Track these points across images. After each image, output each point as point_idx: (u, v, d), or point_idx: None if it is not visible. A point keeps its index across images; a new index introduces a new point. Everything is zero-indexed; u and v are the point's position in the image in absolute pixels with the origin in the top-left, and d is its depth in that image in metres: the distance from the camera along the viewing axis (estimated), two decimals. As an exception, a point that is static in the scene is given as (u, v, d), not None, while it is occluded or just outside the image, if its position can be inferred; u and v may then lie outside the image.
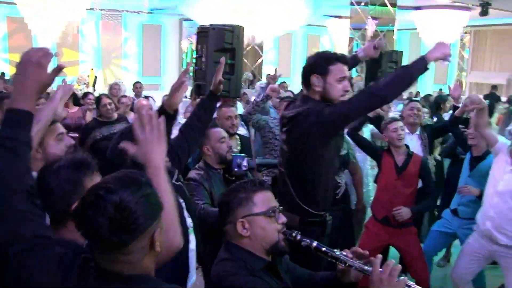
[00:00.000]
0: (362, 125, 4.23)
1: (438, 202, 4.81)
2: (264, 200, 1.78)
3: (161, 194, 1.40)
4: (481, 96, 3.99)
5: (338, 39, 16.68)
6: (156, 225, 1.31)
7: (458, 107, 4.19)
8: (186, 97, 7.20)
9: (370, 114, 4.07)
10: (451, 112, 4.63)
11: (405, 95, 8.83)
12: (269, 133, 4.47)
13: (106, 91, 8.02)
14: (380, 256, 1.65)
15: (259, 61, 14.94)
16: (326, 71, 2.62)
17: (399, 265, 1.62)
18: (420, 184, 3.92)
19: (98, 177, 1.62)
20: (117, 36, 17.38)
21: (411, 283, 1.62)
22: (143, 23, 17.71)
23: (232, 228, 1.77)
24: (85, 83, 15.20)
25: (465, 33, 16.92)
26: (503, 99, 10.47)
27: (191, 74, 3.23)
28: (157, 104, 7.71)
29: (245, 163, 3.17)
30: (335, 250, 1.77)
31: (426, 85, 17.33)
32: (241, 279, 1.68)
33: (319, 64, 2.66)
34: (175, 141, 2.71)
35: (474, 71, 17.85)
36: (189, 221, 2.53)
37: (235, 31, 2.84)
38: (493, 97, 10.59)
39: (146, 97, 7.57)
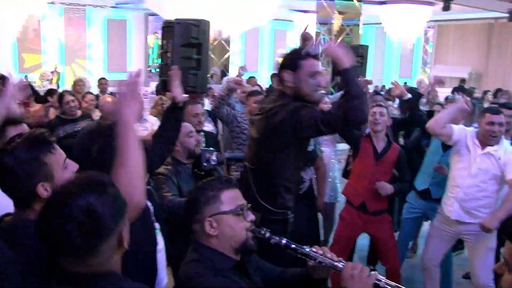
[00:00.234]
0: None
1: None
2: (231, 198, 1.75)
3: (128, 147, 1.50)
4: (448, 90, 4.09)
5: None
6: (123, 222, 1.31)
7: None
8: (152, 93, 7.09)
9: None
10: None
11: (371, 89, 8.92)
12: (237, 127, 4.44)
13: (70, 88, 7.84)
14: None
15: (226, 56, 14.86)
16: (297, 66, 2.60)
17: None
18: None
19: (59, 153, 1.58)
20: (80, 31, 16.97)
21: (381, 277, 1.62)
22: (108, 17, 17.36)
23: (199, 227, 1.73)
24: (48, 80, 14.83)
25: (429, 27, 17.23)
26: (478, 93, 10.64)
27: (154, 70, 3.17)
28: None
29: (214, 157, 3.15)
30: (304, 246, 1.76)
31: (391, 78, 17.58)
32: (210, 280, 1.65)
33: (290, 60, 2.65)
34: (149, 146, 2.66)
35: (438, 65, 18.21)
36: (157, 225, 2.48)
37: (201, 26, 2.80)
38: (463, 90, 10.82)
39: (112, 94, 7.44)
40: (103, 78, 8.64)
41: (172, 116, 2.71)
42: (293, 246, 1.76)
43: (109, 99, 4.79)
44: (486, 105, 7.58)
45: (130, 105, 1.65)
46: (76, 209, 1.20)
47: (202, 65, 2.84)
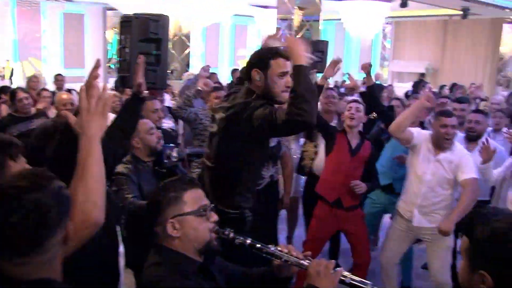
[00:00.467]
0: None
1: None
2: (194, 198, 1.71)
3: (91, 163, 1.45)
4: (407, 85, 4.16)
5: (265, 29, 16.76)
6: (67, 218, 1.30)
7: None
8: (111, 89, 6.92)
9: None
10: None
11: (331, 83, 9.00)
12: (200, 124, 4.39)
13: (24, 85, 7.58)
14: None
15: (187, 51, 14.71)
16: (266, 65, 2.56)
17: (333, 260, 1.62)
18: None
19: (22, 161, 1.53)
20: (35, 25, 16.42)
21: (346, 273, 1.63)
22: (64, 12, 16.86)
23: (162, 229, 1.68)
24: (0, 76, 14.31)
25: (387, 24, 17.54)
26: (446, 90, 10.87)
27: (113, 66, 3.07)
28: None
29: (174, 153, 3.11)
30: (270, 246, 1.74)
31: (351, 74, 17.80)
32: (174, 283, 1.60)
33: (260, 59, 2.60)
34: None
35: (395, 60, 18.59)
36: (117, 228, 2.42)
37: (160, 21, 2.72)
38: (424, 84, 11.10)
39: (69, 90, 7.23)
40: (59, 74, 8.41)
41: (131, 108, 2.59)
42: (258, 245, 1.73)
43: (64, 96, 4.63)
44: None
45: (97, 121, 1.56)
46: (23, 202, 1.19)
47: (161, 61, 2.76)
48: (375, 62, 19.21)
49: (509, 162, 3.90)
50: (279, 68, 2.58)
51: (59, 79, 8.15)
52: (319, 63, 4.22)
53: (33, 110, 4.96)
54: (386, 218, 4.91)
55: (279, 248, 1.74)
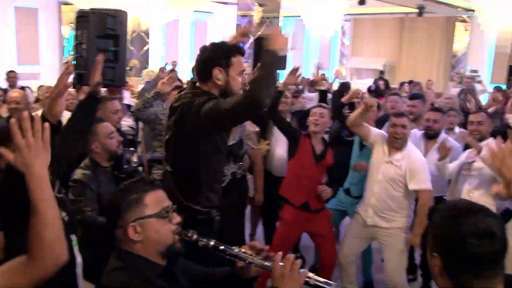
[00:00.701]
0: (278, 105, 4.06)
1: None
2: (156, 200, 1.65)
3: (45, 207, 1.31)
4: (368, 81, 4.24)
5: (225, 25, 16.68)
6: None
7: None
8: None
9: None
10: None
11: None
12: (160, 125, 4.30)
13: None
14: (280, 253, 1.62)
15: (146, 48, 14.48)
16: (229, 63, 2.52)
17: (299, 260, 1.61)
18: None
19: None
20: (-16, 20, 15.79)
21: (311, 274, 1.62)
22: (15, 5, 16.26)
23: (122, 233, 1.62)
24: None
25: (346, 21, 17.76)
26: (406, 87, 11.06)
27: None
28: (35, 94, 7.14)
29: (134, 158, 3.03)
30: (233, 247, 1.71)
31: (311, 70, 17.96)
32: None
33: (221, 56, 2.54)
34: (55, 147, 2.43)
35: (354, 57, 18.86)
36: (72, 237, 2.32)
37: (118, 17, 2.63)
38: (384, 81, 11.31)
39: (22, 88, 6.98)
40: (12, 71, 8.09)
41: (87, 108, 2.43)
42: (221, 247, 1.71)
43: (15, 94, 4.44)
44: (404, 95, 7.92)
45: (40, 158, 1.37)
46: None
47: (119, 58, 2.68)
48: (334, 59, 19.45)
49: (464, 157, 4.01)
50: (240, 66, 2.56)
51: (11, 76, 7.86)
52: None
53: (-17, 109, 4.75)
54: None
55: (243, 250, 1.71)
